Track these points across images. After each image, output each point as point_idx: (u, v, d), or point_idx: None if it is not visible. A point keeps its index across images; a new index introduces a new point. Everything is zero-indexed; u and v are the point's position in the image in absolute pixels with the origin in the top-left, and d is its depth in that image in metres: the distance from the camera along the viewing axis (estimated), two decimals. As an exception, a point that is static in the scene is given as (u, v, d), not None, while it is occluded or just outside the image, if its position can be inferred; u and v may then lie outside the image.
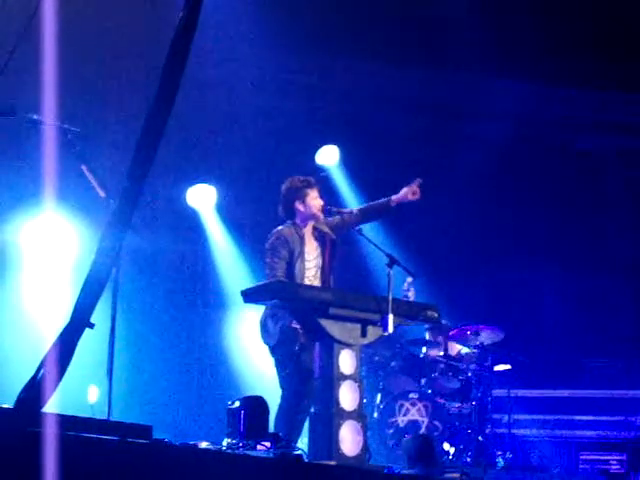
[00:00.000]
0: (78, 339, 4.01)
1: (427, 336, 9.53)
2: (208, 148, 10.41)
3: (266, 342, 6.97)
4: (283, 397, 6.84)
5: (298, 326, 6.73)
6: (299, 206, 7.16)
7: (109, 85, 9.10)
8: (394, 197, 7.19)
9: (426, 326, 9.41)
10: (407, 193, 7.16)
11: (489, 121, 11.57)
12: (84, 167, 6.24)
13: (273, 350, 6.95)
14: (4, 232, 8.62)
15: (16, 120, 5.77)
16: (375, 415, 8.77)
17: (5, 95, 5.25)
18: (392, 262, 6.58)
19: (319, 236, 7.17)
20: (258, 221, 9.55)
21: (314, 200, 7.13)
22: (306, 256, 7.04)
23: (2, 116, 5.25)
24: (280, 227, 7.14)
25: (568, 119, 11.96)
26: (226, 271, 10.48)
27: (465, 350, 9.52)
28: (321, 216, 7.14)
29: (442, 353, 9.31)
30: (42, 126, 6.21)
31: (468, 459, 8.56)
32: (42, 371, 3.94)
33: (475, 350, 9.26)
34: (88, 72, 8.83)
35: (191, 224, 10.44)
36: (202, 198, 10.33)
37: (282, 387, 6.90)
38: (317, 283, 7.05)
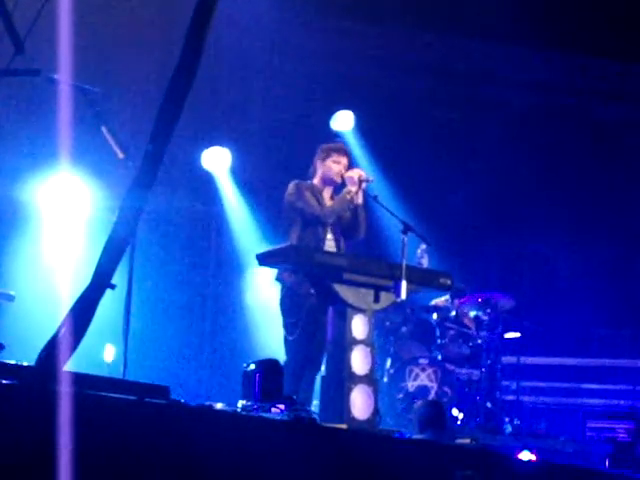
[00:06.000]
0: (99, 299, 4.04)
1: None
2: (223, 111, 10.39)
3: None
4: (286, 363, 6.72)
5: (304, 292, 6.74)
6: (318, 164, 7.16)
7: (129, 46, 9.07)
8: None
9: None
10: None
11: (506, 88, 11.55)
12: (104, 128, 6.24)
13: (282, 315, 6.97)
14: (22, 192, 8.65)
15: (36, 80, 5.75)
16: (385, 380, 8.81)
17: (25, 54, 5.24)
18: (407, 229, 6.58)
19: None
20: (272, 184, 9.56)
21: (334, 164, 7.10)
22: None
23: (27, 75, 5.24)
24: (296, 181, 7.11)
25: (585, 88, 11.91)
26: (240, 233, 10.51)
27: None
28: (337, 182, 7.09)
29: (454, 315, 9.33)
30: (62, 86, 6.19)
31: (476, 425, 8.64)
32: (63, 330, 3.97)
33: (486, 317, 9.29)
34: (108, 32, 8.81)
35: (206, 186, 10.45)
36: (217, 161, 10.33)
37: (286, 353, 6.88)
38: (332, 246, 7.02)
